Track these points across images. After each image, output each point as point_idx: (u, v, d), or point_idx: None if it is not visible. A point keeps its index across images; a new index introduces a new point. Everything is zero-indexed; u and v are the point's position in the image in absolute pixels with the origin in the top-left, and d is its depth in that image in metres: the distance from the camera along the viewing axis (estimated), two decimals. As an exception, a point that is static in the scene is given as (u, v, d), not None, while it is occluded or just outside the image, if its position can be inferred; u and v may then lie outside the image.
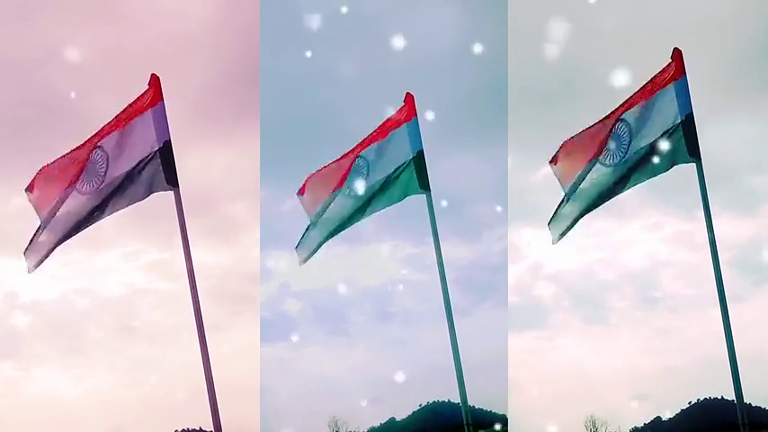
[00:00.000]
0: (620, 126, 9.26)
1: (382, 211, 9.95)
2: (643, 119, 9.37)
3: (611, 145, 9.31)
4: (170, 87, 9.33)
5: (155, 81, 9.20)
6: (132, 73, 9.43)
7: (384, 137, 10.05)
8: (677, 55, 9.21)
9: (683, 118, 9.12)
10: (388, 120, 10.04)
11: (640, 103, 9.30)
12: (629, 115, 9.34)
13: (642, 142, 9.36)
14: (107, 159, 9.06)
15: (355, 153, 9.97)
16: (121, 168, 9.00)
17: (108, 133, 8.91)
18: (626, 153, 9.31)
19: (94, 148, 9.08)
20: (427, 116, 10.17)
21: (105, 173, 9.13)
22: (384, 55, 10.11)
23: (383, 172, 10.04)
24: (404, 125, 9.98)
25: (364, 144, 9.96)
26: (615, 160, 9.38)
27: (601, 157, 9.35)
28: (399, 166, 10.01)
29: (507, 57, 11.62)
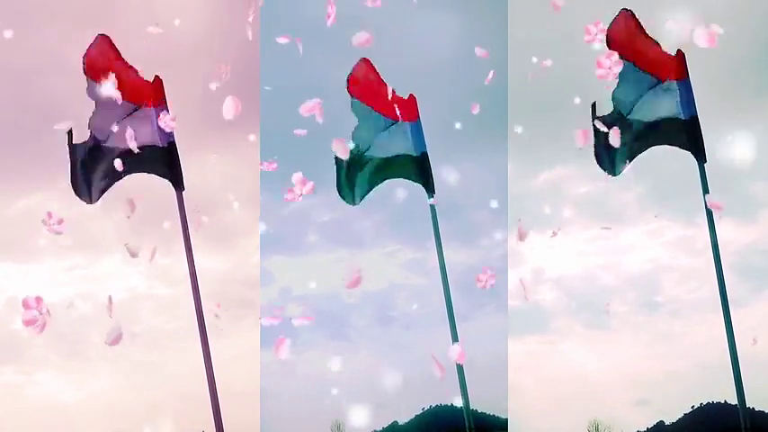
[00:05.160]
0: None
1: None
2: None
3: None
4: (169, 93, 9.36)
5: (157, 82, 9.23)
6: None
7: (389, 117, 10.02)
8: (680, 57, 9.22)
9: (688, 118, 9.12)
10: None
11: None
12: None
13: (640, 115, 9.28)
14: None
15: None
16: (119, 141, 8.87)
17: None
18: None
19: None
20: (428, 120, 10.21)
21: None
22: (385, 59, 10.11)
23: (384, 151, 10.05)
24: (407, 125, 9.98)
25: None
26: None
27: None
28: (401, 154, 10.00)
29: (508, 62, 11.63)
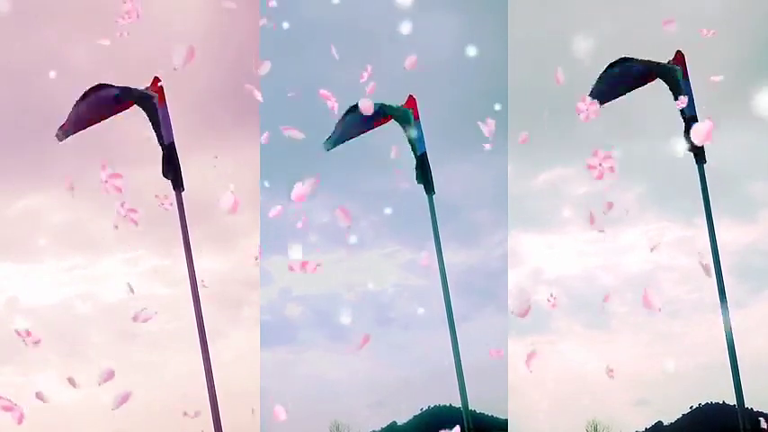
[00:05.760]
0: None
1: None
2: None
3: None
4: (169, 95, 9.37)
5: (156, 83, 9.24)
6: (131, 80, 9.45)
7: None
8: (679, 57, 9.24)
9: (688, 117, 9.15)
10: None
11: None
12: None
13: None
14: None
15: None
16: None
17: None
18: None
19: None
20: (428, 121, 10.22)
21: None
22: (384, 60, 10.12)
23: None
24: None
25: None
26: None
27: None
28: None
29: (507, 62, 11.65)
